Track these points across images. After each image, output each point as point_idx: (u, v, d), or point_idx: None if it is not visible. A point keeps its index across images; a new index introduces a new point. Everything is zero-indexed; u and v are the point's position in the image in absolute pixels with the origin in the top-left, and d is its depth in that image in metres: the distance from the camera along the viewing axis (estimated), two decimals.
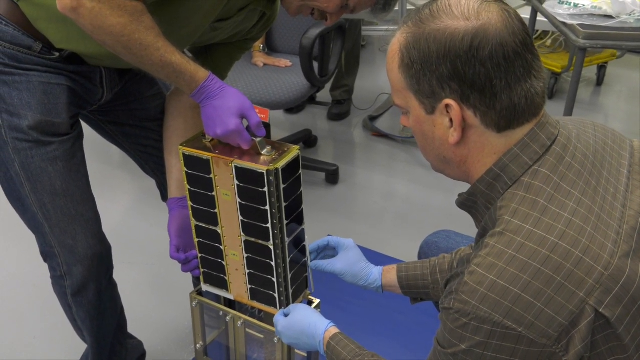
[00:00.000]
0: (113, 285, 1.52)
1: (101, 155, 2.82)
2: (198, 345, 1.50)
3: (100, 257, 1.40)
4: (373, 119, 3.39)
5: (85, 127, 1.45)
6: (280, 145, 1.23)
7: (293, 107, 2.65)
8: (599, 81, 3.95)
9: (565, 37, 2.34)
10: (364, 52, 4.25)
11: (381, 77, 4.04)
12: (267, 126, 2.82)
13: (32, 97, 1.27)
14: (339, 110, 3.43)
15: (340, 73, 3.33)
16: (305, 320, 1.22)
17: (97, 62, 1.34)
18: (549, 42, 3.92)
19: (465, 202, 1.01)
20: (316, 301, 1.39)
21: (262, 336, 1.49)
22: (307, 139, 3.10)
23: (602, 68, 3.90)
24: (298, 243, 1.29)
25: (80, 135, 1.38)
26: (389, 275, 1.36)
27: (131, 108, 1.50)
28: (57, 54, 1.28)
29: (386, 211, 2.69)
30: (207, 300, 1.42)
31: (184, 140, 1.44)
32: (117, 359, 1.61)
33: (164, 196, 1.65)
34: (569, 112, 2.30)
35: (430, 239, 1.49)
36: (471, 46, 0.87)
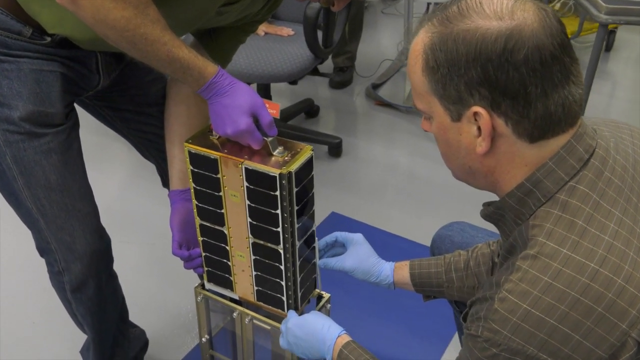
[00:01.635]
0: (113, 278, 1.47)
1: (95, 126, 2.73)
2: (203, 339, 1.46)
3: (100, 252, 1.34)
4: (376, 87, 3.29)
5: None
6: (292, 145, 1.15)
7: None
8: (608, 47, 3.84)
9: (585, 11, 2.24)
10: (365, 14, 4.11)
11: (384, 42, 3.93)
12: (276, 121, 2.75)
13: (23, 86, 1.18)
14: (341, 78, 3.32)
15: (343, 39, 3.20)
16: (318, 322, 1.17)
17: (92, 46, 1.25)
18: (557, 5, 3.80)
19: (492, 215, 0.95)
20: (326, 295, 1.34)
21: (268, 327, 1.45)
22: (309, 109, 3.01)
23: (611, 33, 3.79)
24: (308, 244, 1.23)
25: (75, 125, 1.30)
26: (401, 271, 1.30)
27: (130, 93, 1.42)
28: (49, 39, 1.19)
29: (390, 185, 2.63)
30: (212, 296, 1.36)
31: (187, 128, 1.37)
32: (119, 350, 1.57)
33: (165, 182, 1.58)
34: (586, 87, 2.22)
35: (443, 233, 1.43)
36: (505, 49, 0.79)
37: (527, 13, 0.81)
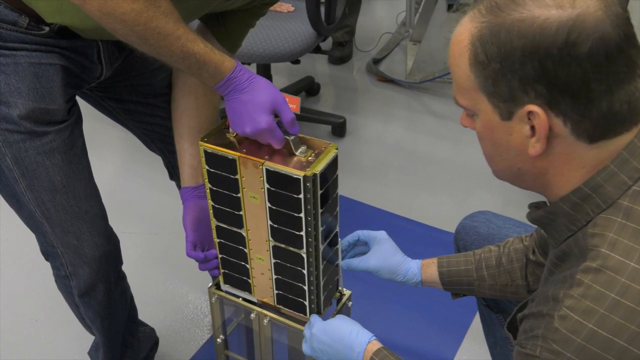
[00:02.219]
0: (122, 278, 1.40)
1: (89, 110, 2.63)
2: (218, 340, 1.39)
3: (109, 255, 1.26)
4: (377, 61, 3.20)
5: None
6: (315, 143, 1.08)
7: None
8: None
9: None
10: None
11: (382, 13, 3.81)
12: (297, 116, 2.65)
13: (22, 81, 1.09)
14: (341, 54, 3.22)
15: (342, 12, 3.10)
16: (345, 327, 1.11)
17: (94, 35, 1.15)
18: None
19: (540, 219, 0.88)
20: (347, 293, 1.28)
21: (288, 328, 1.39)
22: (309, 88, 2.91)
23: None
24: (332, 246, 1.17)
25: (78, 120, 1.21)
26: (429, 269, 1.24)
27: (133, 83, 1.33)
28: (47, 29, 1.10)
29: (394, 165, 2.56)
30: (228, 296, 1.30)
31: (196, 120, 1.29)
32: (130, 352, 1.51)
33: (172, 175, 1.50)
34: None
35: (467, 223, 1.36)
36: (567, 41, 0.72)
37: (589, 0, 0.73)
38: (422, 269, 1.23)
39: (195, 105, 1.28)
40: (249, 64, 2.35)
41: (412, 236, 2.16)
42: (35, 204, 1.16)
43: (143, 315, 1.64)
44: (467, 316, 1.83)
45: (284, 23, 2.41)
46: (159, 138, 1.40)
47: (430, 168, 2.51)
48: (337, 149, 1.07)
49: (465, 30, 0.79)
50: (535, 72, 0.74)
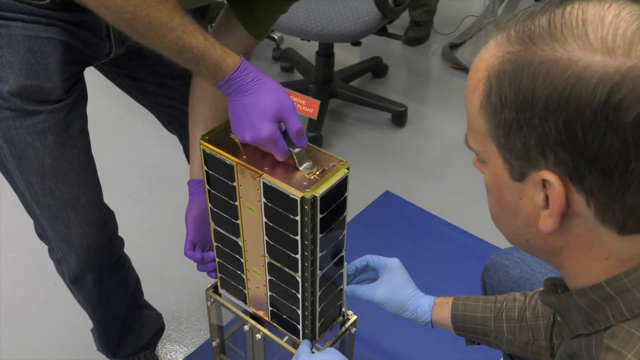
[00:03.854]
0: (121, 266, 1.33)
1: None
2: (214, 343, 1.32)
3: (99, 246, 1.19)
4: (454, 47, 2.98)
5: None
6: (324, 158, 0.95)
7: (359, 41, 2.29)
8: None
9: None
10: None
11: None
12: (337, 81, 2.50)
13: (15, 55, 1.01)
14: (417, 34, 3.02)
15: None
16: None
17: None
18: None
19: (554, 306, 0.73)
20: (352, 318, 1.17)
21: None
22: (376, 68, 2.75)
23: None
24: (335, 270, 1.05)
25: (80, 100, 1.12)
26: (441, 310, 1.10)
27: (150, 63, 1.23)
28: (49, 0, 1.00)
29: (455, 165, 2.38)
30: (224, 302, 1.21)
31: (212, 108, 1.17)
32: (129, 337, 1.45)
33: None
34: None
35: (498, 260, 1.20)
36: (607, 102, 0.54)
37: None
38: (434, 307, 1.10)
39: (213, 91, 1.17)
40: (309, 40, 2.21)
41: (457, 246, 2.00)
42: (24, 185, 1.10)
43: (153, 297, 1.58)
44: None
45: (347, 1, 2.25)
46: (176, 122, 1.31)
47: None
48: (348, 169, 0.94)
49: (487, 57, 0.62)
50: (559, 134, 0.56)
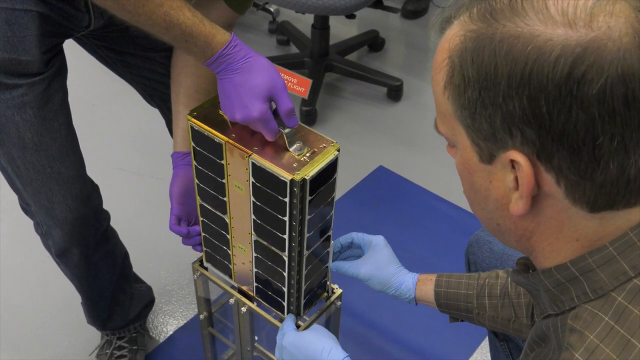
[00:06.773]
0: (107, 240, 1.33)
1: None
2: (202, 316, 1.33)
3: (83, 219, 1.19)
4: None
5: None
6: (316, 140, 0.95)
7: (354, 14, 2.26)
8: None
9: None
10: None
11: None
12: (334, 54, 2.46)
13: None
14: (415, 7, 2.98)
15: None
16: (318, 343, 1.00)
17: None
18: None
19: (523, 285, 0.74)
20: (337, 291, 1.16)
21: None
22: (372, 42, 2.72)
23: None
24: (321, 249, 1.05)
25: (60, 72, 1.11)
26: (425, 287, 1.10)
27: (131, 34, 1.20)
28: None
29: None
30: (210, 276, 1.21)
31: (194, 80, 1.15)
32: (119, 309, 1.46)
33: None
34: None
35: (482, 236, 1.20)
36: (570, 75, 0.53)
37: (615, 19, 0.54)
38: (417, 284, 1.10)
39: (195, 63, 1.15)
40: (303, 13, 2.19)
41: (450, 222, 2.00)
42: (5, 159, 1.10)
43: (144, 270, 1.58)
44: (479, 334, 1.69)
45: None
46: (158, 95, 1.30)
47: None
48: (338, 150, 0.94)
49: (449, 37, 0.61)
50: (523, 111, 0.55)
